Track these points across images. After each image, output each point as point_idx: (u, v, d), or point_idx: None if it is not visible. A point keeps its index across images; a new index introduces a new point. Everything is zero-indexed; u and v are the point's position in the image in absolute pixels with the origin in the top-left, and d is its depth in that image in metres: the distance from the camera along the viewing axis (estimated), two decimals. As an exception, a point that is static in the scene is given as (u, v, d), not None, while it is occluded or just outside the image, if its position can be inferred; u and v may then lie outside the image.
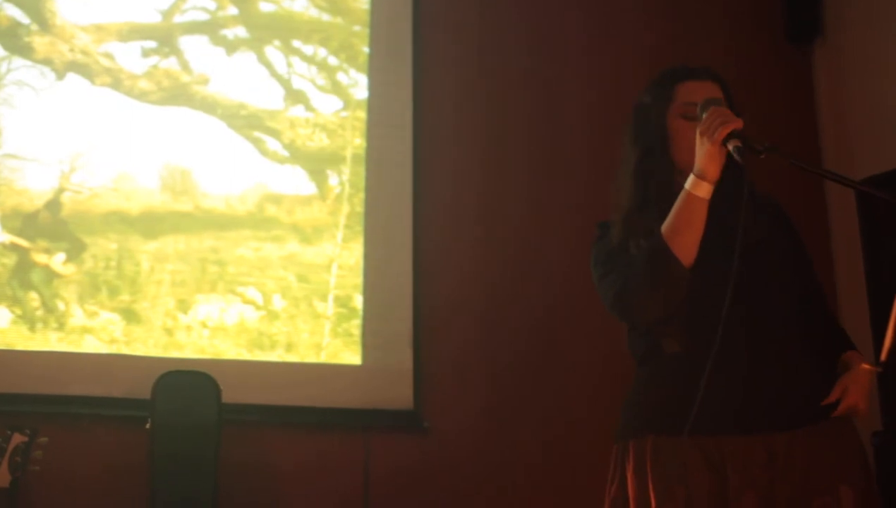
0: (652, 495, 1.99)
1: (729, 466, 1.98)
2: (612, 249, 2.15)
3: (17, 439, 2.87)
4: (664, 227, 2.03)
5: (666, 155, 2.17)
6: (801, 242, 2.25)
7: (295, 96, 4.42)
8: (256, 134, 4.33)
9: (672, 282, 2.01)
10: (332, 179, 4.36)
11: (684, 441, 1.98)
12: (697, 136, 2.01)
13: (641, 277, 2.04)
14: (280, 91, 4.41)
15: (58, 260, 4.02)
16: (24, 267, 3.98)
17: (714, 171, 1.99)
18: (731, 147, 1.94)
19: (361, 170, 4.35)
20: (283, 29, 4.48)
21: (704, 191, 2.00)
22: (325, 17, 4.55)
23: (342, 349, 4.16)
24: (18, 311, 3.94)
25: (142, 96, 4.26)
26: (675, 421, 1.95)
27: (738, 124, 1.97)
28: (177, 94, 4.29)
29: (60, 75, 4.20)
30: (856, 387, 2.06)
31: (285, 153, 4.34)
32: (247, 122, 4.33)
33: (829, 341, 2.18)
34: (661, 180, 2.15)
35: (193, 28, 4.40)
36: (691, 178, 2.01)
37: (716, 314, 1.89)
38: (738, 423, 1.99)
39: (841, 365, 2.13)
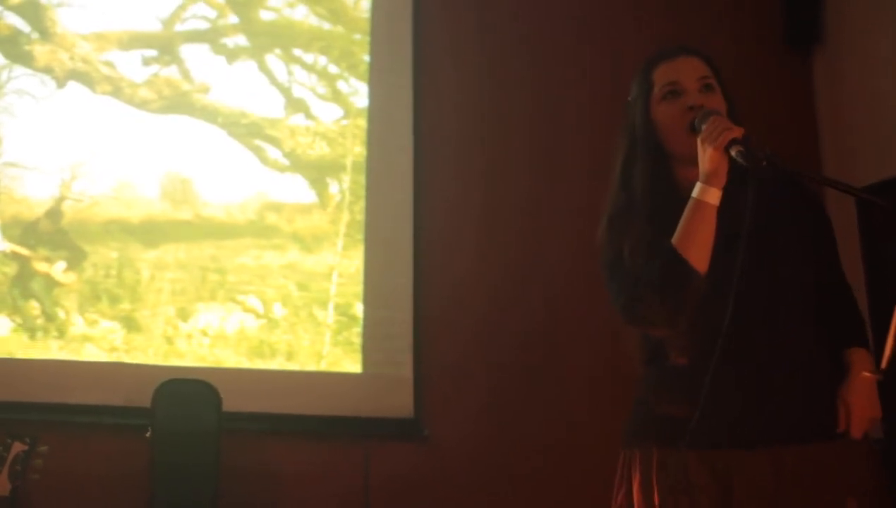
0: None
1: (735, 479, 1.97)
2: (614, 254, 2.13)
3: (17, 447, 2.86)
4: (675, 238, 2.00)
5: (653, 145, 2.14)
6: (823, 234, 2.18)
7: (295, 105, 4.42)
8: (257, 142, 4.33)
9: (689, 292, 1.99)
10: (333, 187, 4.36)
11: (690, 455, 1.98)
12: (699, 144, 2.00)
13: (657, 289, 2.00)
14: (280, 99, 4.41)
15: (58, 269, 4.02)
16: (24, 275, 3.99)
17: (720, 176, 1.98)
18: (734, 152, 1.94)
19: (362, 179, 4.35)
20: (283, 37, 4.49)
21: (713, 196, 1.98)
22: (326, 25, 4.56)
23: (342, 357, 4.16)
24: (19, 320, 3.94)
25: (142, 105, 4.26)
26: (680, 434, 1.94)
27: (738, 132, 1.97)
28: (177, 103, 4.29)
29: (61, 84, 4.21)
30: (858, 401, 2.02)
31: (286, 161, 4.34)
32: (247, 131, 4.33)
33: (839, 339, 2.12)
34: (646, 176, 2.14)
35: (194, 37, 4.41)
36: (699, 186, 1.99)
37: (723, 325, 1.89)
38: (744, 437, 1.98)
39: (846, 367, 2.09)
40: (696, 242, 1.99)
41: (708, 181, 1.98)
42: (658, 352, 2.12)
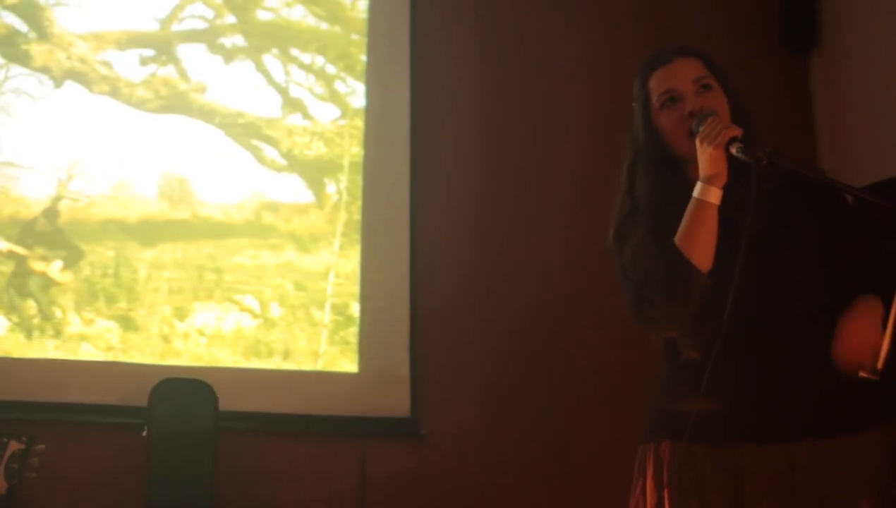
0: (667, 503, 2.00)
1: (747, 474, 1.98)
2: (623, 260, 2.14)
3: (14, 446, 2.87)
4: (678, 238, 2.02)
5: (659, 151, 2.15)
6: (840, 225, 2.14)
7: (293, 105, 4.42)
8: (254, 142, 4.33)
9: (693, 291, 2.00)
10: (330, 187, 4.36)
11: (700, 449, 1.99)
12: (698, 145, 2.01)
13: (662, 290, 2.02)
14: (278, 99, 4.41)
15: (55, 268, 4.02)
16: (21, 274, 3.98)
17: (721, 175, 1.99)
18: (734, 150, 1.95)
19: (359, 179, 4.35)
20: (281, 37, 4.49)
21: (714, 196, 2.00)
22: (323, 25, 4.56)
23: (339, 357, 4.16)
24: (15, 319, 3.94)
25: (140, 104, 4.26)
26: (692, 428, 1.95)
27: (737, 131, 1.98)
28: (174, 102, 4.29)
29: (58, 83, 4.20)
30: (852, 326, 1.97)
31: (283, 161, 4.34)
32: (244, 131, 4.33)
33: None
34: (650, 182, 2.14)
35: (191, 36, 4.41)
36: (699, 185, 2.01)
37: (732, 319, 1.89)
38: (755, 432, 1.99)
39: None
40: (698, 241, 2.00)
41: (709, 180, 2.00)
42: (674, 349, 2.14)
